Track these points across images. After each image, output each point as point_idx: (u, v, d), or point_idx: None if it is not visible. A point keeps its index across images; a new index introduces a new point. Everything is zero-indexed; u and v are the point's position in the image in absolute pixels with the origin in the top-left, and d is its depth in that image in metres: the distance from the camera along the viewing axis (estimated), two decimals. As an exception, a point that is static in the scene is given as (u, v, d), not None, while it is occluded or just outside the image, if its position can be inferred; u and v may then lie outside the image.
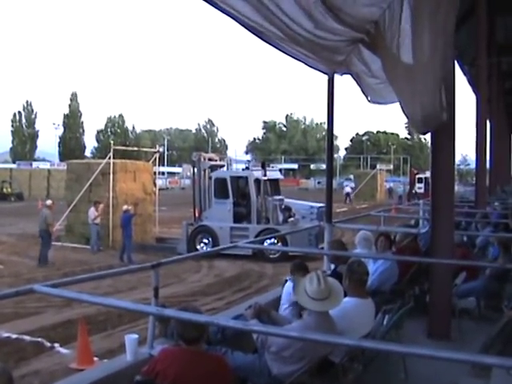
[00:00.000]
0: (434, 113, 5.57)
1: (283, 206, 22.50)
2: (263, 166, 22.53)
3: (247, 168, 23.91)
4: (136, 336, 5.36)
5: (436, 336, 7.52)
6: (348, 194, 59.09)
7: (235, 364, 4.76)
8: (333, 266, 8.08)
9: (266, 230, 20.67)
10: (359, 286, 5.66)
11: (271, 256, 20.85)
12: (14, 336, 11.03)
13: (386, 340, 5.28)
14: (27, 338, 10.97)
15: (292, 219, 21.77)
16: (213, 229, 22.14)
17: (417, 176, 56.98)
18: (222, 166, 24.44)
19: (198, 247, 21.99)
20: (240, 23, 5.15)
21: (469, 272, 8.89)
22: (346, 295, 5.37)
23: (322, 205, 21.85)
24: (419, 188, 54.44)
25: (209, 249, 21.04)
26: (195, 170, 23.16)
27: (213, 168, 23.30)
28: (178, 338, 4.34)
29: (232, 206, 22.14)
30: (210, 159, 24.02)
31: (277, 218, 21.76)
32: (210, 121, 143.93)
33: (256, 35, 5.64)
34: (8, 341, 10.79)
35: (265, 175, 21.91)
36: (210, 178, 22.77)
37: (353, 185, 68.39)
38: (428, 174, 53.35)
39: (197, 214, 22.92)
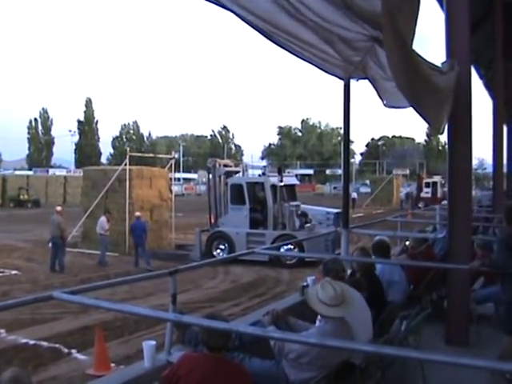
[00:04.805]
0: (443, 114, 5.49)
1: (299, 212, 22.40)
2: (279, 172, 22.41)
3: (263, 174, 23.91)
4: (154, 342, 5.35)
5: (454, 342, 7.46)
6: (354, 200, 58.82)
7: (252, 370, 4.73)
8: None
9: (282, 236, 20.61)
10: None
11: (287, 262, 20.85)
12: (32, 342, 11.09)
13: (404, 346, 5.25)
14: (45, 344, 11.02)
15: (308, 225, 21.75)
16: (229, 235, 22.17)
17: (424, 181, 57.44)
18: (238, 172, 24.43)
19: (215, 253, 22.06)
20: (253, 27, 5.15)
21: (487, 277, 8.82)
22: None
23: (338, 210, 21.84)
24: (426, 192, 54.93)
25: (225, 255, 21.09)
26: (211, 176, 23.19)
27: (228, 174, 23.30)
28: (202, 345, 4.36)
29: (248, 211, 22.12)
30: (225, 165, 24.03)
31: (293, 224, 21.65)
32: (225, 127, 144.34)
33: (269, 39, 5.64)
34: (26, 347, 10.85)
35: (281, 181, 21.80)
36: (225, 184, 22.75)
37: (369, 189, 68.08)
38: (436, 178, 54.97)
39: (212, 220, 22.95)
